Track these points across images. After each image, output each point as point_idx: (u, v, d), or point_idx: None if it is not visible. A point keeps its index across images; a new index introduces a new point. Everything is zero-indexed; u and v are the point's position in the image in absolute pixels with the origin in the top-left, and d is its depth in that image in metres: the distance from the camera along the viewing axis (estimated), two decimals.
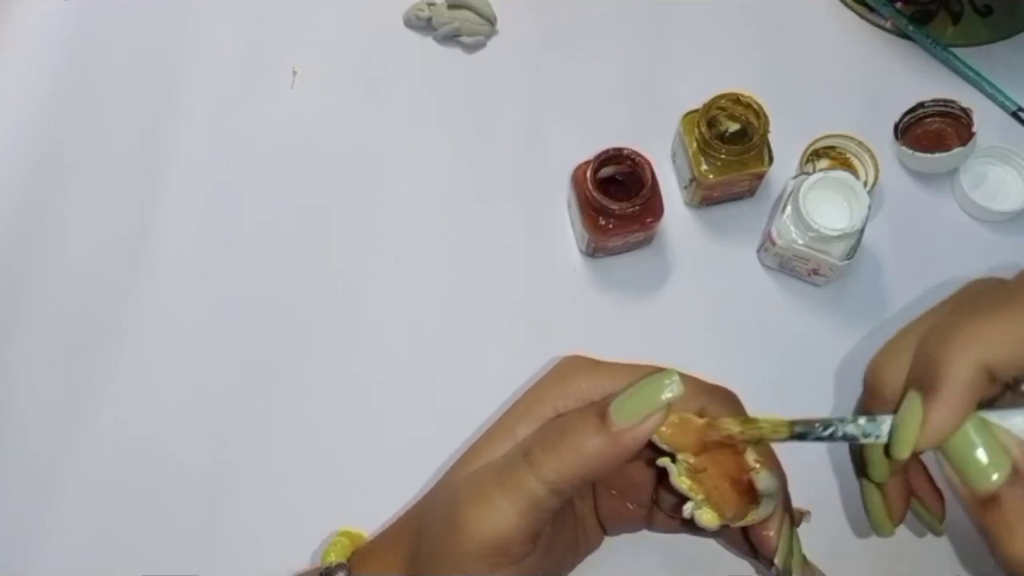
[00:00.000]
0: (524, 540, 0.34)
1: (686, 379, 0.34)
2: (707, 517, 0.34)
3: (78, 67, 0.58)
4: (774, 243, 0.49)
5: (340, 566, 0.38)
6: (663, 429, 0.33)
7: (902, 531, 0.38)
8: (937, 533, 0.37)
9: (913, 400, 0.29)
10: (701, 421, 0.34)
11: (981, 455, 0.27)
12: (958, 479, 0.28)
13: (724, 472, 0.34)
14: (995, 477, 0.27)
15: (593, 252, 0.52)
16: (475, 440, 0.37)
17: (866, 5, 0.58)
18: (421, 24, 0.58)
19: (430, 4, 0.58)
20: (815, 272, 0.50)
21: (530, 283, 0.52)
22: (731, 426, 0.34)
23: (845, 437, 0.33)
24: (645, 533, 0.42)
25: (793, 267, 0.51)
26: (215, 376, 0.51)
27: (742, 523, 0.35)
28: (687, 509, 0.34)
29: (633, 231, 0.50)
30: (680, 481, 0.34)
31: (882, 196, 0.53)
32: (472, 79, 0.58)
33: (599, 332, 0.51)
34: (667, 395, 0.32)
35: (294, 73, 0.58)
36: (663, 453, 0.34)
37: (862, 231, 0.47)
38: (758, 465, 0.35)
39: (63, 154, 0.56)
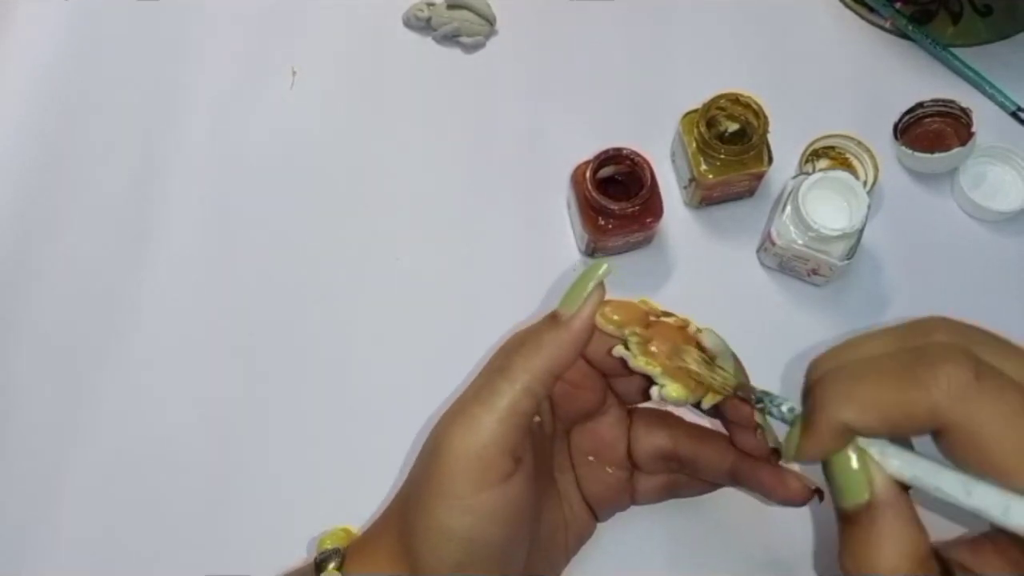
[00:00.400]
0: (504, 451, 0.35)
1: (625, 302, 0.37)
2: (673, 390, 0.36)
3: (78, 67, 0.58)
4: (774, 243, 0.49)
5: (335, 551, 0.38)
6: (608, 312, 0.36)
7: None
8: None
9: (796, 425, 0.32)
10: (641, 306, 0.37)
11: (846, 480, 0.30)
12: (832, 490, 0.31)
13: (673, 344, 0.37)
14: (849, 502, 0.30)
15: (593, 252, 0.52)
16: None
17: (866, 5, 0.58)
18: (420, 24, 0.58)
19: (429, 4, 0.58)
20: (815, 272, 0.50)
21: (530, 283, 0.52)
22: (690, 363, 0.36)
23: (770, 415, 0.36)
24: (645, 532, 0.42)
25: (793, 267, 0.51)
26: (214, 375, 0.51)
27: (711, 400, 0.37)
28: (654, 392, 0.36)
29: (633, 231, 0.50)
30: (637, 361, 0.36)
31: (882, 196, 0.53)
32: (471, 79, 0.58)
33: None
34: (598, 275, 0.36)
35: (294, 73, 0.58)
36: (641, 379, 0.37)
37: (862, 231, 0.47)
38: (701, 328, 0.37)
39: (63, 154, 0.56)
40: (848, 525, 0.30)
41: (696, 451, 0.41)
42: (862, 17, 0.58)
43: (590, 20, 0.59)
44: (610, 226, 0.49)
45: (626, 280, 0.52)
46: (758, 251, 0.52)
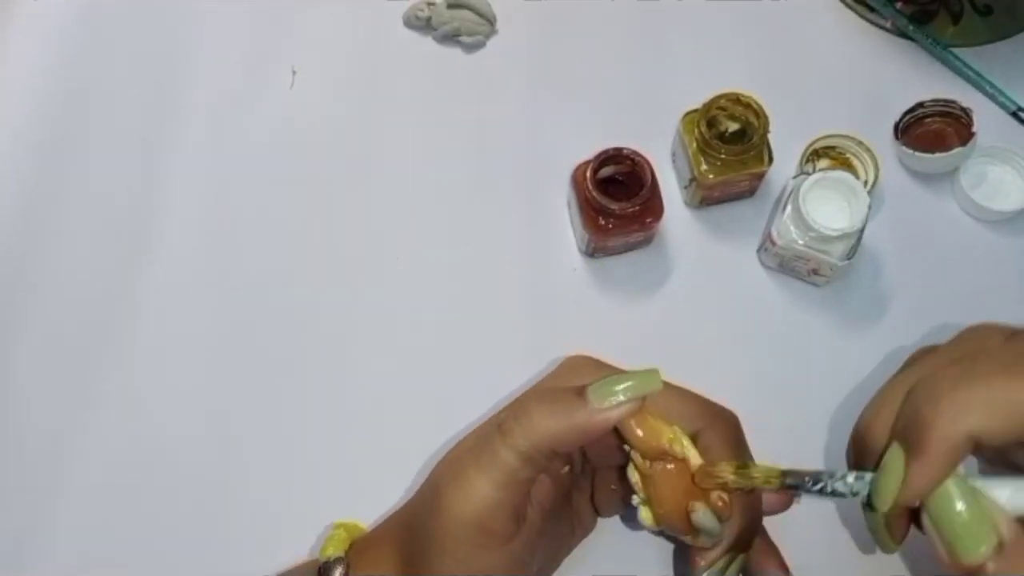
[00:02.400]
0: (504, 517, 0.34)
1: (688, 398, 0.35)
2: (645, 515, 0.36)
3: (78, 67, 0.58)
4: (774, 243, 0.49)
5: (338, 560, 0.38)
6: (632, 426, 0.34)
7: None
8: (888, 551, 0.36)
9: (896, 456, 0.29)
10: (666, 437, 0.35)
11: (963, 529, 0.26)
12: (942, 546, 0.27)
13: (673, 487, 0.35)
14: (983, 550, 0.26)
15: (593, 252, 0.52)
16: (466, 427, 0.38)
17: (866, 5, 0.58)
18: (420, 24, 0.58)
19: (429, 4, 0.58)
20: (815, 272, 0.50)
21: (530, 283, 0.52)
22: (725, 473, 0.34)
23: (834, 493, 0.33)
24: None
25: (793, 267, 0.51)
26: (214, 374, 0.51)
27: (683, 539, 0.36)
28: (634, 500, 0.37)
29: (633, 231, 0.49)
30: (631, 473, 0.36)
31: (882, 196, 0.53)
32: (472, 79, 0.58)
33: (599, 332, 0.50)
34: (643, 389, 0.34)
35: (294, 73, 0.58)
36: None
37: (862, 231, 0.47)
38: (700, 502, 0.35)
39: (62, 154, 0.56)
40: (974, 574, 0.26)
41: (754, 528, 0.38)
42: (862, 17, 0.58)
43: (590, 20, 0.59)
44: (610, 226, 0.49)
45: (626, 280, 0.52)
46: (758, 251, 0.52)
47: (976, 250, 0.52)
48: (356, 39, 0.59)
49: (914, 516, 0.35)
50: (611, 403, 0.34)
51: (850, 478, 0.33)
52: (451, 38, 0.58)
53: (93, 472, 0.49)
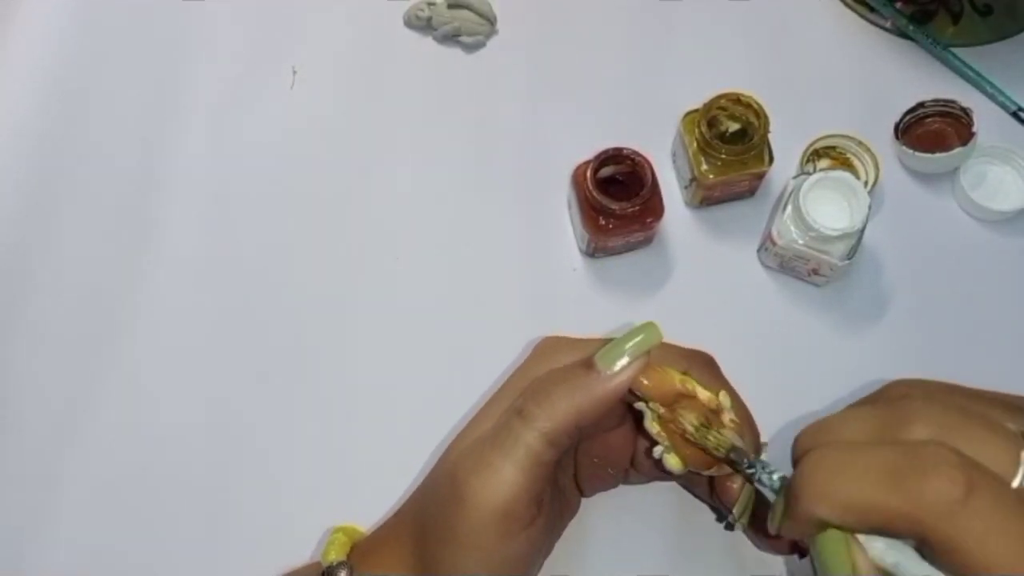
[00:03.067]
0: (529, 501, 0.35)
1: (666, 345, 0.37)
2: (672, 462, 0.37)
3: (77, 67, 0.58)
4: (774, 243, 0.49)
5: (341, 564, 0.38)
6: (642, 380, 0.36)
7: None
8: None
9: (779, 504, 0.31)
10: (677, 378, 0.37)
11: (828, 560, 0.29)
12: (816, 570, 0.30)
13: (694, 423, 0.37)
14: None
15: (593, 252, 0.52)
16: (464, 424, 0.39)
17: (866, 5, 0.58)
18: (421, 24, 0.58)
19: (430, 4, 0.58)
20: (815, 272, 0.50)
21: (530, 283, 0.52)
22: (688, 422, 0.36)
23: (760, 483, 0.36)
24: (642, 528, 0.42)
25: (793, 267, 0.51)
26: (214, 375, 0.51)
27: (708, 473, 0.38)
28: (656, 451, 0.37)
29: (633, 231, 0.49)
30: (650, 426, 0.37)
31: (882, 196, 0.53)
32: (472, 79, 0.58)
33: (599, 332, 0.50)
34: (647, 344, 0.36)
35: (294, 73, 0.58)
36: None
37: (862, 231, 0.47)
38: (714, 427, 0.37)
39: (62, 154, 0.56)
40: None
41: (698, 477, 0.40)
42: (862, 17, 0.58)
43: (590, 20, 0.59)
44: (611, 226, 0.49)
45: (626, 280, 0.52)
46: (759, 251, 0.52)
47: (976, 250, 0.52)
48: (356, 39, 0.59)
49: None
50: (621, 365, 0.35)
51: (775, 476, 0.35)
52: (451, 38, 0.58)
53: (93, 475, 0.48)
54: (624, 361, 0.35)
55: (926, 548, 0.28)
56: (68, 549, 0.47)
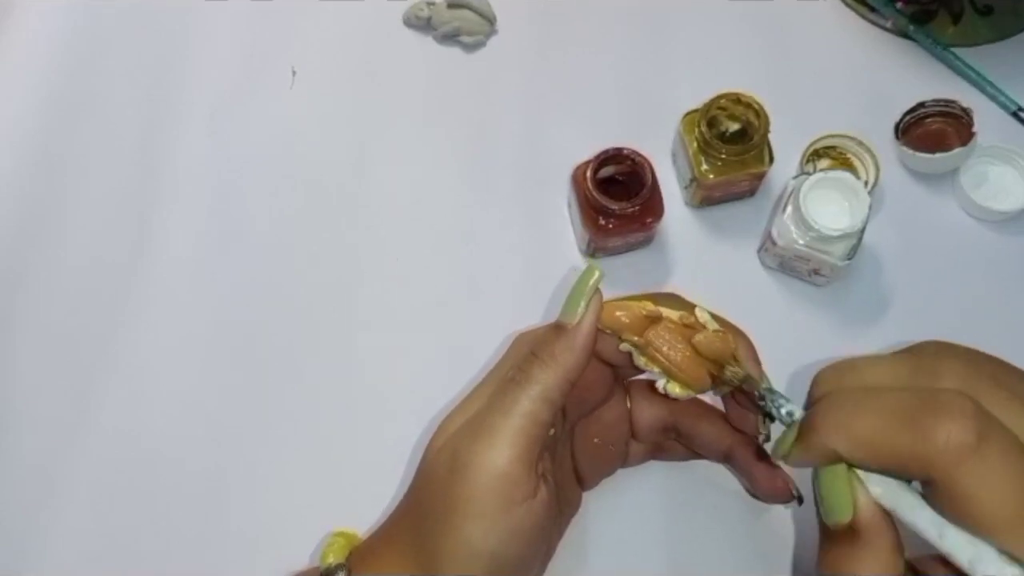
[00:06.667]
0: (529, 464, 0.35)
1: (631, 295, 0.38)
2: (671, 387, 0.38)
3: (78, 68, 0.58)
4: (775, 243, 0.49)
5: (339, 566, 0.38)
6: (606, 316, 0.37)
7: None
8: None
9: (791, 433, 0.32)
10: (641, 308, 0.38)
11: (832, 497, 0.30)
12: (817, 505, 0.31)
13: (673, 343, 0.37)
14: (831, 519, 0.30)
15: (593, 252, 0.52)
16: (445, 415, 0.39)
17: (867, 5, 0.58)
18: (421, 24, 0.58)
19: (430, 4, 0.58)
20: (816, 272, 0.50)
21: (530, 283, 0.52)
22: (708, 322, 0.38)
23: (770, 415, 0.36)
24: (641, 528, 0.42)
25: (794, 267, 0.50)
26: (214, 376, 0.50)
27: (722, 390, 0.38)
28: (659, 385, 0.38)
29: (633, 231, 0.49)
30: (638, 359, 0.38)
31: (883, 196, 0.53)
32: (472, 79, 0.58)
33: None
34: (591, 283, 0.37)
35: (293, 73, 0.58)
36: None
37: (863, 231, 0.47)
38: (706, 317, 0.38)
39: (63, 154, 0.56)
40: (829, 539, 0.30)
41: (695, 426, 0.42)
42: (863, 17, 0.58)
43: (590, 19, 0.59)
44: (611, 226, 0.48)
45: (626, 280, 0.52)
46: (759, 251, 0.52)
47: (976, 250, 0.52)
48: (356, 39, 0.59)
49: None
50: (582, 308, 0.37)
51: (784, 409, 0.35)
52: (451, 38, 0.58)
53: (92, 475, 0.48)
54: (581, 307, 0.37)
55: (930, 492, 0.28)
56: (67, 549, 0.47)
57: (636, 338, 0.37)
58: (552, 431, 0.39)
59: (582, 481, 0.43)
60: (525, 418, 0.35)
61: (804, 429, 0.31)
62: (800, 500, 0.41)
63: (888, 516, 0.30)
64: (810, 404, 0.33)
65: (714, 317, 0.38)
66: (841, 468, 0.30)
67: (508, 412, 0.36)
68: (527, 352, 0.38)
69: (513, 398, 0.36)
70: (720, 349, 0.37)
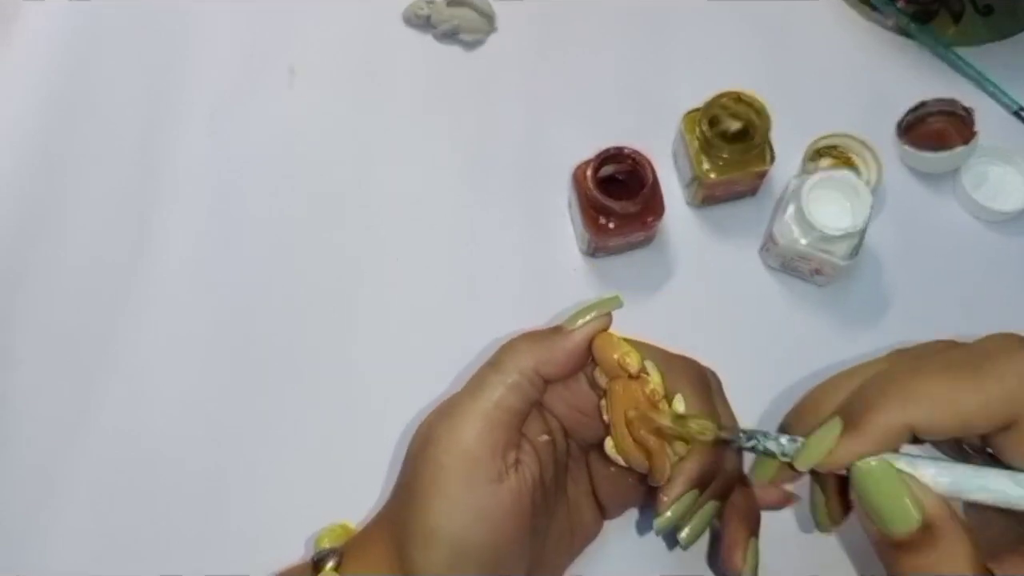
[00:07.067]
0: (491, 449, 0.35)
1: (655, 348, 0.38)
2: (607, 445, 0.37)
3: (78, 68, 0.58)
4: (776, 243, 0.48)
5: (332, 551, 0.38)
6: (599, 345, 0.37)
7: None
8: (823, 530, 0.38)
9: (833, 426, 0.30)
10: (622, 353, 0.37)
11: (890, 504, 0.28)
12: (871, 519, 0.29)
13: (624, 406, 0.36)
14: (900, 528, 0.27)
15: (594, 252, 0.52)
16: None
17: (868, 4, 0.58)
18: (420, 22, 0.58)
19: (429, 2, 0.58)
20: (817, 272, 0.50)
21: (530, 283, 0.52)
22: (662, 418, 0.35)
23: (765, 452, 0.35)
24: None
25: (795, 267, 0.50)
26: (213, 376, 0.50)
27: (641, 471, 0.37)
28: (607, 443, 0.37)
29: (634, 231, 0.49)
30: (601, 404, 0.37)
31: (884, 195, 0.53)
32: (471, 77, 0.58)
33: None
34: (607, 308, 0.38)
35: (293, 72, 0.58)
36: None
37: (864, 231, 0.47)
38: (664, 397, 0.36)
39: (63, 154, 0.56)
40: (900, 552, 0.28)
41: (714, 468, 0.39)
42: (864, 16, 0.58)
43: (590, 18, 0.59)
44: (611, 225, 0.48)
45: (627, 280, 0.52)
46: (760, 251, 0.52)
47: (977, 250, 0.52)
48: (356, 38, 0.59)
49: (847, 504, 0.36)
50: (584, 321, 0.37)
51: (783, 439, 0.34)
52: (451, 36, 0.58)
53: (90, 474, 0.48)
54: (585, 320, 0.38)
55: (1011, 439, 0.27)
56: (67, 549, 0.47)
57: (604, 379, 0.37)
58: (545, 437, 0.39)
59: (603, 510, 0.42)
60: (491, 402, 0.36)
61: (855, 416, 0.29)
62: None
63: (951, 506, 0.28)
64: (786, 425, 0.31)
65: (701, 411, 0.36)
66: (889, 468, 0.28)
67: (476, 395, 0.36)
68: (517, 339, 0.38)
69: (485, 382, 0.37)
70: (706, 426, 0.35)
